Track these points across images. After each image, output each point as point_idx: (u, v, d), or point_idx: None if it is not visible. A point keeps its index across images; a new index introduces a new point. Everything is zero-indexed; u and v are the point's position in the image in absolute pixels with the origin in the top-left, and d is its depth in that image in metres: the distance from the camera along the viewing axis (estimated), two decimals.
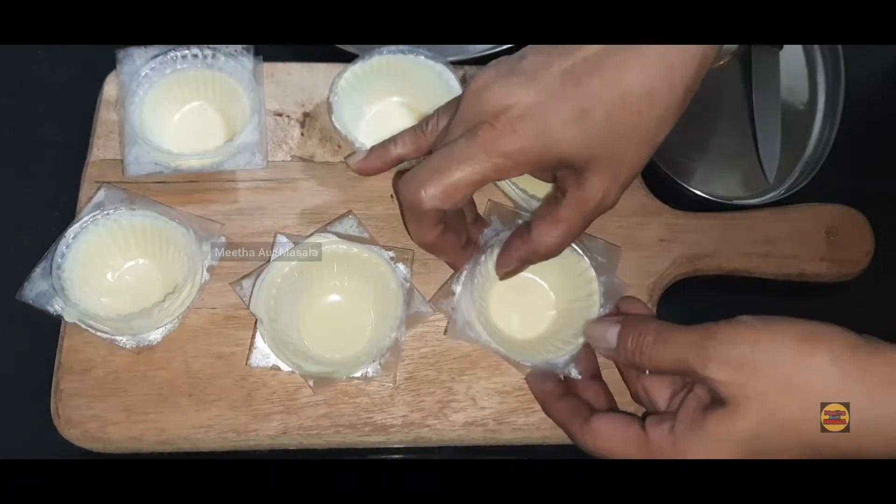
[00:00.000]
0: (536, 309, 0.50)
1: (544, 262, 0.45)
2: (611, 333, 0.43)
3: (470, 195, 0.42)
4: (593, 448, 0.41)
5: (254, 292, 0.47)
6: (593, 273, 0.48)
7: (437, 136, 0.46)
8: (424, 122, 0.47)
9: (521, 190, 0.51)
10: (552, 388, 0.45)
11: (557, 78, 0.40)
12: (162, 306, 0.47)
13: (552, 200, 0.43)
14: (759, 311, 0.54)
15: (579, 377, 0.46)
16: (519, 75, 0.40)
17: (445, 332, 0.49)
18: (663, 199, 0.54)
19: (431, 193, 0.41)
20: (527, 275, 0.49)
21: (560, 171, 0.42)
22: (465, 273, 0.48)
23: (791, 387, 0.36)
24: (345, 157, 0.52)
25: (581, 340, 0.46)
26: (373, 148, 0.49)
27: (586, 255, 0.48)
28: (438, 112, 0.46)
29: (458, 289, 0.48)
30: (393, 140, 0.48)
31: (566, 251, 0.45)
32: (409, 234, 0.45)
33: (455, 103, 0.44)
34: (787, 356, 0.37)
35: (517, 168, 0.40)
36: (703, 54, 0.39)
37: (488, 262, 0.48)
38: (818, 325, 0.38)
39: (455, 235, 0.46)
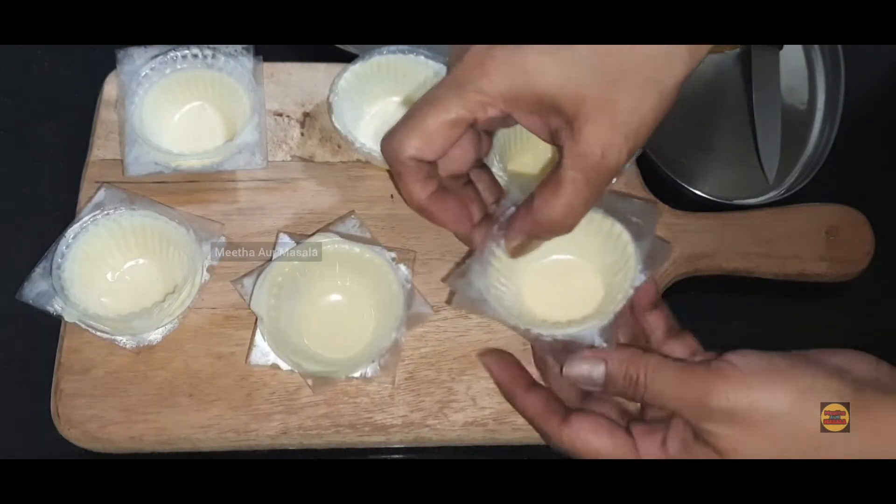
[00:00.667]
0: (581, 291, 0.46)
1: (579, 236, 0.41)
2: (596, 373, 0.39)
3: (451, 140, 0.39)
4: (572, 449, 0.39)
5: (255, 291, 0.47)
6: (628, 236, 0.43)
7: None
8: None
9: (509, 174, 0.49)
10: (525, 376, 0.42)
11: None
12: (162, 306, 0.47)
13: (554, 166, 0.38)
14: (760, 311, 0.55)
15: (605, 346, 0.41)
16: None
17: (448, 301, 0.47)
18: (663, 199, 0.54)
19: (407, 142, 0.38)
20: (564, 255, 0.46)
21: (553, 122, 0.38)
22: (485, 252, 0.44)
23: (786, 447, 0.35)
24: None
25: (614, 310, 0.42)
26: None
27: (618, 219, 0.44)
28: None
29: (475, 267, 0.44)
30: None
31: (596, 216, 0.42)
32: (404, 200, 0.42)
33: None
34: (783, 416, 0.35)
35: (493, 104, 0.37)
36: None
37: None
38: (814, 378, 0.36)
39: (456, 201, 0.42)
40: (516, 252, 0.42)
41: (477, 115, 0.38)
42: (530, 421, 0.41)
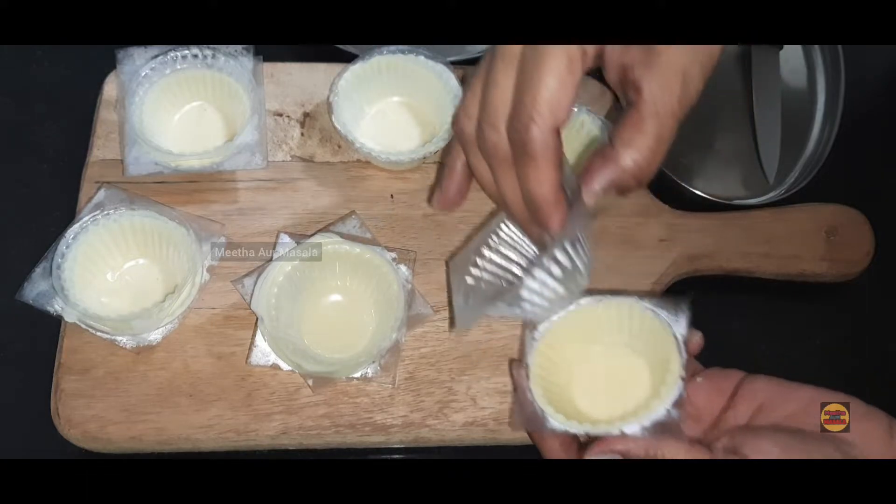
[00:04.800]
0: (629, 386, 0.44)
1: (627, 336, 0.41)
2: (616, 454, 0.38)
3: (573, 96, 0.36)
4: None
5: (255, 291, 0.47)
6: (670, 329, 0.42)
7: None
8: (462, 110, 0.41)
9: None
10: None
11: None
12: (162, 306, 0.47)
13: (628, 110, 0.36)
14: (760, 311, 0.55)
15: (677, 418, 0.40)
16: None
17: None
18: (663, 199, 0.54)
19: (539, 117, 0.35)
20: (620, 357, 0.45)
21: (627, 56, 0.36)
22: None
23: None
24: (429, 202, 0.46)
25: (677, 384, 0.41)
26: (437, 179, 0.44)
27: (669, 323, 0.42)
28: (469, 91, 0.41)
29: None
30: (448, 153, 0.43)
31: (641, 309, 0.42)
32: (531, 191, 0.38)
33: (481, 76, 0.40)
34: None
35: (595, 49, 0.35)
36: None
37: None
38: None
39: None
40: (594, 200, 0.38)
41: (587, 62, 0.36)
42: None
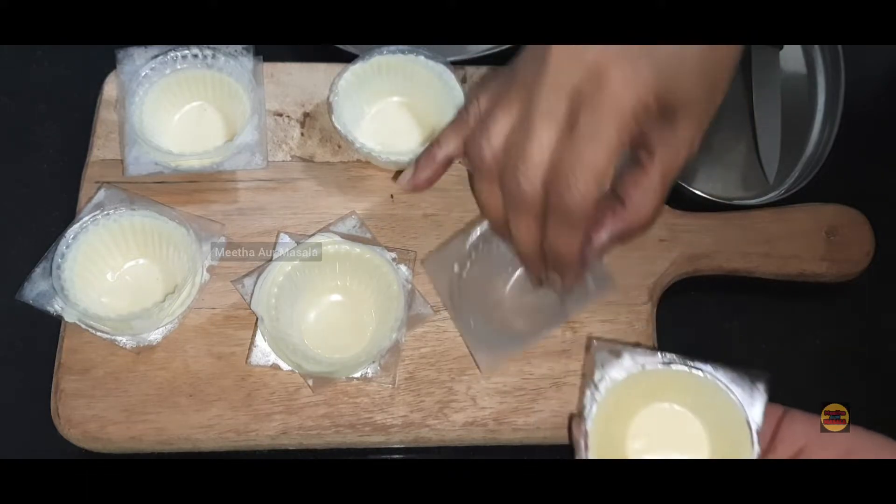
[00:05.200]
0: (687, 442, 0.43)
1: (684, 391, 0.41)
2: None
3: (612, 175, 0.38)
4: None
5: (255, 290, 0.47)
6: (744, 415, 0.40)
7: (482, 120, 0.41)
8: (464, 111, 0.43)
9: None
10: None
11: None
12: (162, 306, 0.47)
13: (635, 166, 0.39)
14: (760, 311, 0.55)
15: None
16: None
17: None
18: None
19: (586, 191, 0.36)
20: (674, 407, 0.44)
21: (649, 123, 0.38)
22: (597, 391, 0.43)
23: None
24: (395, 180, 0.47)
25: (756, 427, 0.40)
26: (417, 160, 0.45)
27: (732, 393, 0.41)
28: (477, 96, 0.42)
29: (591, 411, 0.42)
30: (435, 142, 0.44)
31: (720, 395, 0.41)
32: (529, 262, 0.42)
33: (495, 85, 0.41)
34: None
35: (644, 115, 0.36)
36: None
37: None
38: None
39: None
40: (600, 253, 0.41)
41: (633, 134, 0.37)
42: None
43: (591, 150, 0.37)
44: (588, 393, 0.43)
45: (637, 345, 0.48)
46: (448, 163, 0.44)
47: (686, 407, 0.44)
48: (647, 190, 0.39)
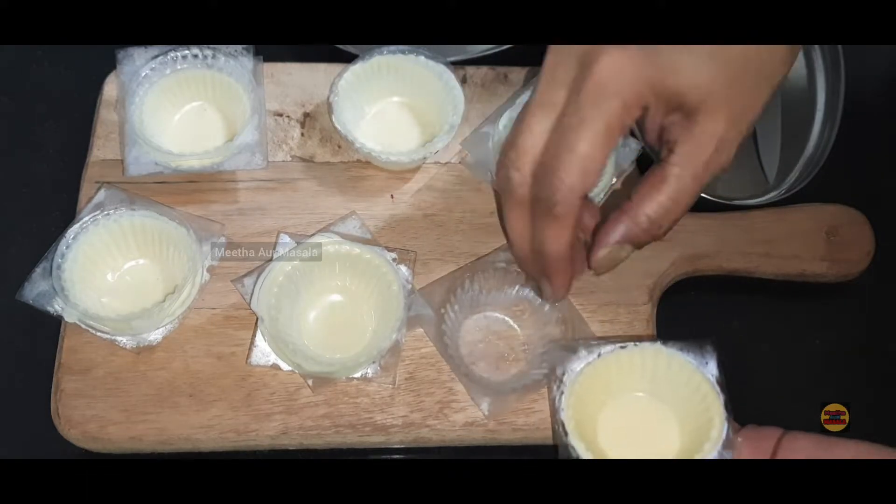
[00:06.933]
0: (658, 435, 0.44)
1: (658, 386, 0.41)
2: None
3: (605, 161, 0.36)
4: None
5: (255, 290, 0.47)
6: (711, 389, 0.42)
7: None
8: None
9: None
10: None
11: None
12: (162, 306, 0.47)
13: (653, 167, 0.37)
14: (760, 311, 0.55)
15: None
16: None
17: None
18: None
19: (569, 180, 0.35)
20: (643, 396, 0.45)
21: (667, 119, 0.37)
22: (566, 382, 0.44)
23: None
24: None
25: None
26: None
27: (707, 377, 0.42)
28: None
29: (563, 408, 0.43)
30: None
31: (675, 360, 0.42)
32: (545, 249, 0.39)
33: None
34: None
35: (636, 107, 0.35)
36: None
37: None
38: None
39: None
40: (602, 265, 0.41)
41: (624, 123, 0.36)
42: None
43: (575, 137, 0.36)
44: (555, 387, 0.45)
45: (591, 339, 0.49)
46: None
47: (646, 392, 0.45)
48: (654, 188, 0.37)
